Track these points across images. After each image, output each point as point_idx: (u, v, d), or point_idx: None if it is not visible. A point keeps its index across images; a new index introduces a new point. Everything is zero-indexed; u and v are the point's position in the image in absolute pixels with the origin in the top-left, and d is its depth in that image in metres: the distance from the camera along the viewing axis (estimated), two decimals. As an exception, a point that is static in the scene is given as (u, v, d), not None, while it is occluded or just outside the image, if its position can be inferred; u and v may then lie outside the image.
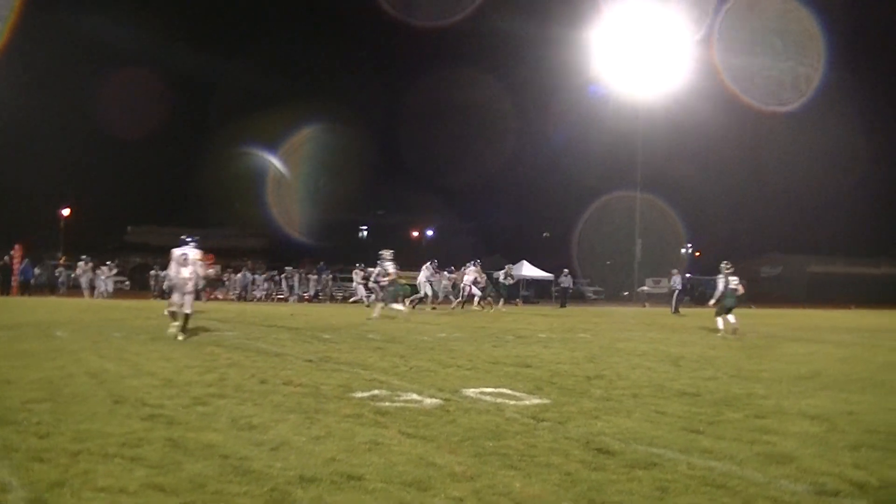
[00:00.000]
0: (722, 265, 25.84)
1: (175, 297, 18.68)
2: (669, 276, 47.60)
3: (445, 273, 43.97)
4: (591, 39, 61.95)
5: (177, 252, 18.60)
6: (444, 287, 43.61)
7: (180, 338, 18.05)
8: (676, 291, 44.61)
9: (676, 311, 42.92)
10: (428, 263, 41.41)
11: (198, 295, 19.48)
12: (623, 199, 72.77)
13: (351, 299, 45.92)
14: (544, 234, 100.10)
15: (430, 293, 40.72)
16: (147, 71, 78.48)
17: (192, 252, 18.56)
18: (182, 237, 19.00)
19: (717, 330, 25.12)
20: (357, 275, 44.27)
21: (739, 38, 63.85)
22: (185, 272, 18.40)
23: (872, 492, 6.57)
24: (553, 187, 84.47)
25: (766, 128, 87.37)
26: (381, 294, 30.06)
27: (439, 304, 41.58)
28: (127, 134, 76.61)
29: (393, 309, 28.76)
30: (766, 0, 66.11)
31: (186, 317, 18.59)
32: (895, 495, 6.47)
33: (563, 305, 52.17)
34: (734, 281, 25.26)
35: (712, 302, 26.38)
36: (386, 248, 29.42)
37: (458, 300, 40.55)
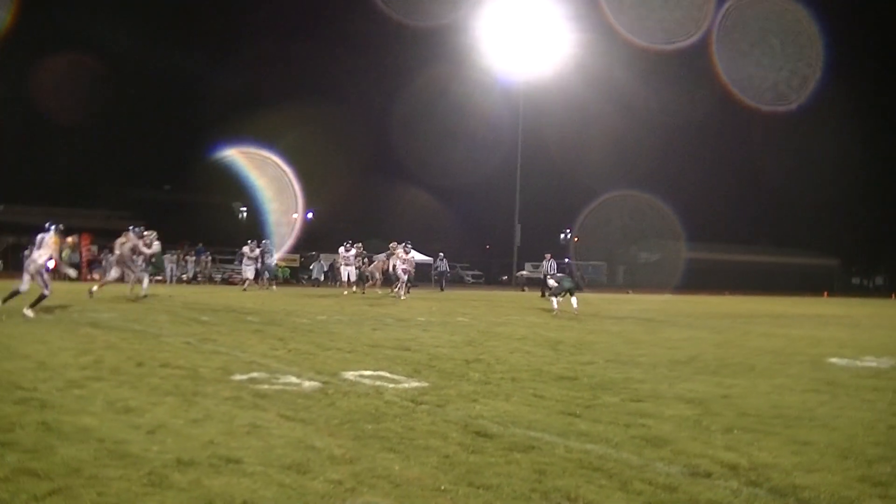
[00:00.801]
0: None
1: (26, 277, 18.97)
2: (544, 259, 47.39)
3: (377, 257, 41.67)
4: (484, 27, 61.96)
5: (38, 237, 19.31)
6: (371, 270, 41.41)
7: (29, 313, 18.18)
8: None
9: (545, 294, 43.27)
10: (342, 248, 39.80)
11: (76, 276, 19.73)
12: (505, 184, 73.20)
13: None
14: (487, 247, 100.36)
15: (353, 277, 39.67)
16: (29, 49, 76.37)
17: (47, 236, 19.10)
18: (46, 223, 19.67)
19: (552, 309, 27.35)
20: (246, 253, 43.14)
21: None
22: (36, 255, 18.86)
23: (744, 472, 6.75)
24: (437, 171, 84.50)
25: (644, 115, 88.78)
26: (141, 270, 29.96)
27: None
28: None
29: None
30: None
31: (41, 296, 18.78)
32: (765, 476, 6.65)
33: (441, 289, 52.37)
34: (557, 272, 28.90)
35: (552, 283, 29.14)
36: (140, 225, 29.34)
37: (398, 285, 38.92)
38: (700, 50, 69.93)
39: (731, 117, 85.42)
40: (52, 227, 19.27)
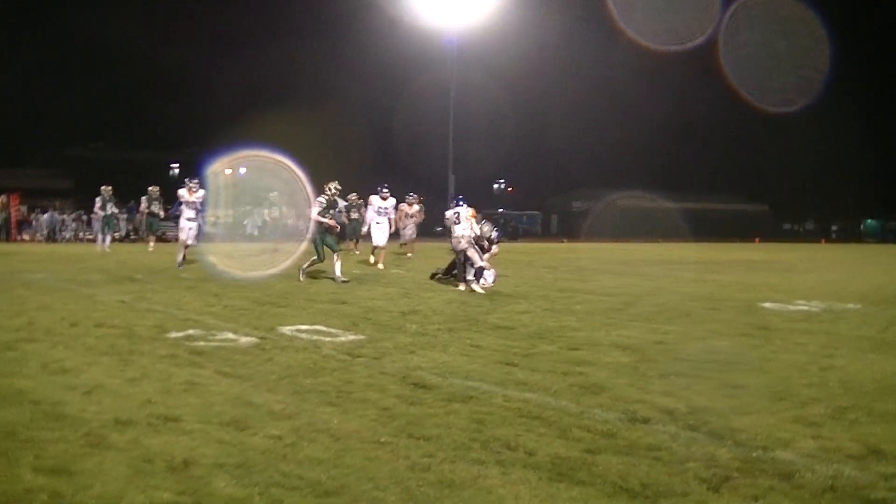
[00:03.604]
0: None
1: (471, 252, 18.40)
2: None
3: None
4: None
5: (449, 213, 19.27)
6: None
7: (476, 287, 17.88)
8: None
9: None
10: (404, 204, 30.09)
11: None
12: (437, 134, 72.86)
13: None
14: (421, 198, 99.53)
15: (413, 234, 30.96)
16: None
17: (463, 211, 18.91)
18: (455, 198, 19.98)
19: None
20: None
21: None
22: (458, 230, 18.60)
23: (681, 417, 6.88)
24: (372, 123, 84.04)
25: (577, 63, 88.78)
26: None
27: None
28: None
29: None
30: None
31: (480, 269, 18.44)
32: (702, 419, 6.78)
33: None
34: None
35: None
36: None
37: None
38: None
39: (648, 63, 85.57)
40: (463, 201, 19.46)
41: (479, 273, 18.21)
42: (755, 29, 75.74)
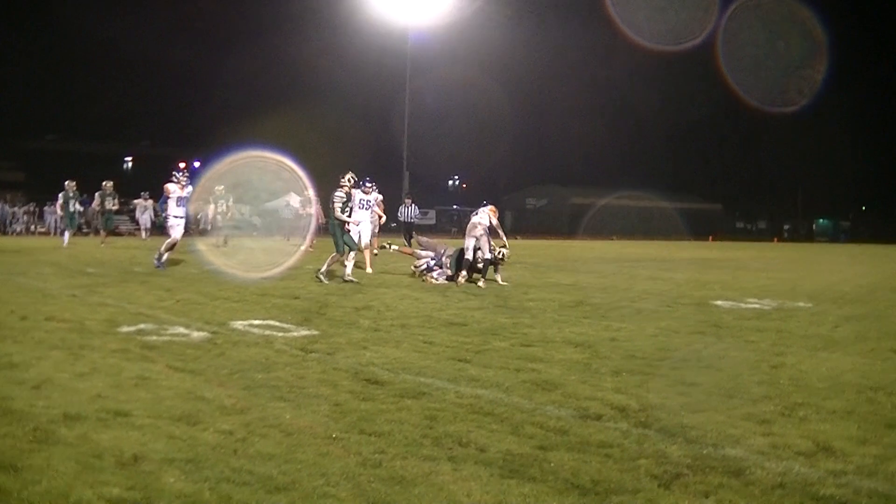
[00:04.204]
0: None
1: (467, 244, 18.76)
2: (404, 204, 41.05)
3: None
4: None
5: (474, 218, 19.09)
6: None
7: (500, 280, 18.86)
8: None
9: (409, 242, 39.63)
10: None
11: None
12: (391, 131, 72.72)
13: None
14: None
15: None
16: None
17: (486, 208, 19.23)
18: (483, 200, 20.02)
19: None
20: (140, 204, 42.33)
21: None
22: (475, 218, 18.91)
23: (633, 414, 6.92)
24: (324, 118, 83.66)
25: (532, 62, 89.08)
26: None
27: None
28: None
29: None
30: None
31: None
32: (654, 417, 6.82)
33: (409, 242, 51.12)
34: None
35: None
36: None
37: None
38: None
39: (605, 61, 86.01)
40: (488, 203, 19.67)
41: (487, 264, 18.64)
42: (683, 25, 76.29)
